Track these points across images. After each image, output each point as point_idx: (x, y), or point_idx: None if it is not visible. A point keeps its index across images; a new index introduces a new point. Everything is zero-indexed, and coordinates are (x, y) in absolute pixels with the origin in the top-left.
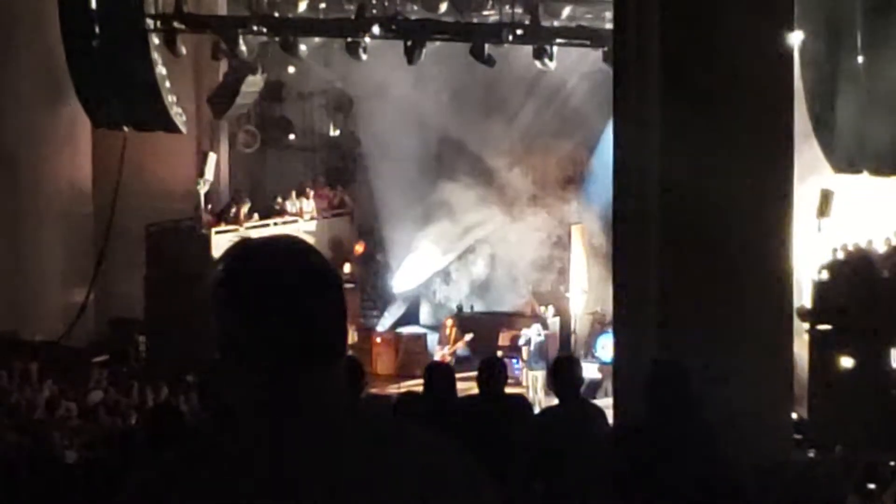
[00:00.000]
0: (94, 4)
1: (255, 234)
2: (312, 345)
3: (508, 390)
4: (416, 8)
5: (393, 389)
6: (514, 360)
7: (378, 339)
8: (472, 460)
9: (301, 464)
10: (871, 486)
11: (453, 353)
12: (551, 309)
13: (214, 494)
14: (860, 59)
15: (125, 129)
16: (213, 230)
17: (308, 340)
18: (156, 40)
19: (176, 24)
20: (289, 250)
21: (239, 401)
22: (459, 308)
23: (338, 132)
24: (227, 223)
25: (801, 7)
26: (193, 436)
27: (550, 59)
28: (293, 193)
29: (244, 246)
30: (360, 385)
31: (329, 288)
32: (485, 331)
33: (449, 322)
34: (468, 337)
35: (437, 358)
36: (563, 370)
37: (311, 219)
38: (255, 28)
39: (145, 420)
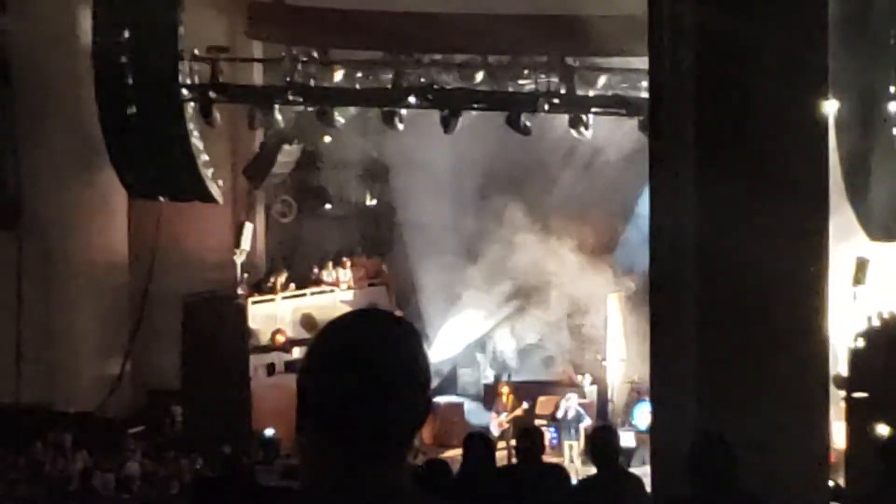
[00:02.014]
0: (129, 73)
1: (291, 305)
2: (400, 429)
3: (546, 459)
4: (452, 77)
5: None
6: (553, 430)
7: None
8: None
9: None
10: None
11: (511, 421)
12: (588, 378)
13: None
14: (894, 127)
15: (161, 199)
16: (250, 300)
17: (396, 424)
18: (191, 110)
19: (211, 94)
20: (391, 332)
21: (311, 479)
22: (497, 377)
23: (374, 201)
24: (264, 293)
25: (835, 75)
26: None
27: (586, 127)
28: (330, 263)
29: (337, 327)
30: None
31: (420, 376)
32: (518, 399)
33: (505, 390)
34: (525, 406)
35: (493, 426)
36: (600, 439)
37: (349, 288)
38: (290, 98)
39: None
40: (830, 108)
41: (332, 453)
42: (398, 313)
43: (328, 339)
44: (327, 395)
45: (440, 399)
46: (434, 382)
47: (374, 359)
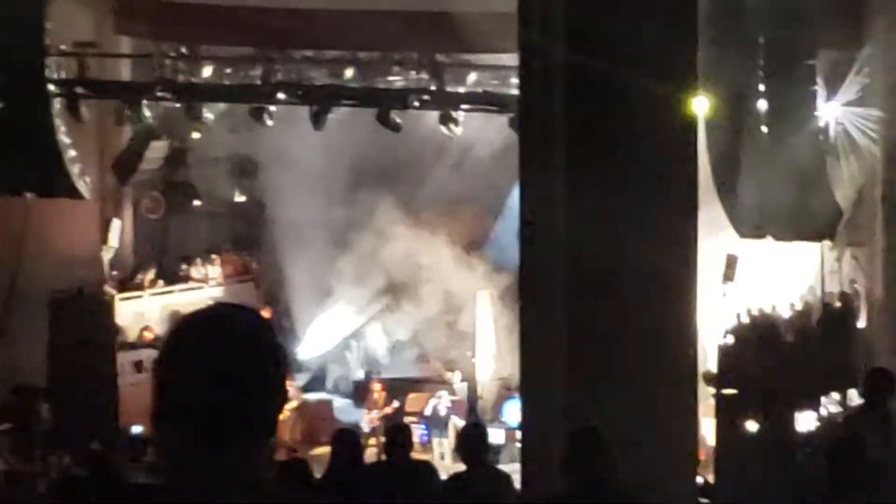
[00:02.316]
0: None
1: (159, 302)
2: (253, 420)
3: (416, 456)
4: (321, 73)
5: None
6: (423, 427)
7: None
8: None
9: None
10: None
11: (382, 419)
12: (458, 375)
13: None
14: (763, 125)
15: (27, 196)
16: (118, 297)
17: (248, 416)
18: (58, 106)
19: (79, 90)
20: (245, 324)
21: (170, 468)
22: (367, 374)
23: (243, 198)
24: (132, 290)
25: (705, 73)
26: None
27: (456, 124)
28: (198, 259)
29: (190, 321)
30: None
31: (273, 368)
32: (390, 396)
33: (377, 387)
34: (396, 404)
35: (364, 423)
36: (469, 436)
37: (217, 285)
38: (159, 94)
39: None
40: (700, 105)
41: (188, 445)
42: (266, 310)
43: (180, 333)
44: (180, 388)
45: (309, 396)
46: (304, 379)
47: (224, 350)
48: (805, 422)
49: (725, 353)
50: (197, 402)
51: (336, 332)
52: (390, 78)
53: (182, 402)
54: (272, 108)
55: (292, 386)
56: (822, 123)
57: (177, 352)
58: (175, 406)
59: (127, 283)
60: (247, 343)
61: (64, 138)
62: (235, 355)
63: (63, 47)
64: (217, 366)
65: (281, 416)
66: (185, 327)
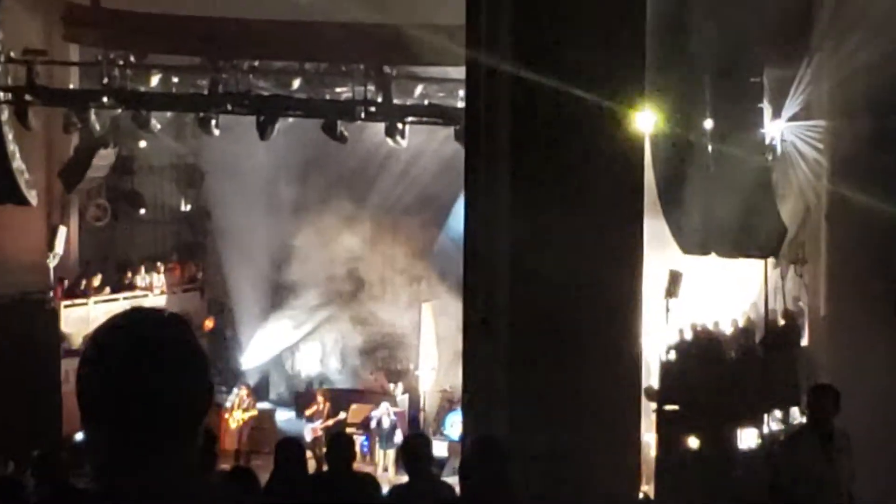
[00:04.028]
0: None
1: (104, 309)
2: (178, 421)
3: (358, 468)
4: (269, 84)
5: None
6: (364, 438)
7: (226, 416)
8: None
9: None
10: None
11: (325, 429)
12: (401, 386)
13: None
14: (709, 143)
15: None
16: (63, 303)
17: (174, 416)
18: (6, 113)
19: (27, 97)
20: (157, 325)
21: (97, 477)
22: (309, 385)
23: (189, 207)
24: (77, 297)
25: (651, 90)
26: None
27: (402, 136)
28: (143, 268)
29: (113, 323)
30: (213, 460)
31: (191, 369)
32: (335, 407)
33: (320, 398)
34: (342, 415)
35: (307, 433)
36: (413, 448)
37: (161, 293)
38: (106, 102)
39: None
40: (647, 122)
41: (110, 450)
42: (210, 320)
43: (98, 339)
44: (97, 394)
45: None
46: (241, 388)
47: (142, 354)
48: (747, 439)
49: (668, 369)
50: (112, 407)
51: (279, 342)
52: (337, 89)
53: (99, 409)
54: (219, 117)
55: (249, 396)
56: (768, 140)
57: (92, 358)
58: (94, 412)
59: (72, 291)
60: (162, 348)
61: (11, 146)
62: (150, 360)
63: (12, 54)
64: (131, 371)
65: (233, 425)
66: (101, 334)
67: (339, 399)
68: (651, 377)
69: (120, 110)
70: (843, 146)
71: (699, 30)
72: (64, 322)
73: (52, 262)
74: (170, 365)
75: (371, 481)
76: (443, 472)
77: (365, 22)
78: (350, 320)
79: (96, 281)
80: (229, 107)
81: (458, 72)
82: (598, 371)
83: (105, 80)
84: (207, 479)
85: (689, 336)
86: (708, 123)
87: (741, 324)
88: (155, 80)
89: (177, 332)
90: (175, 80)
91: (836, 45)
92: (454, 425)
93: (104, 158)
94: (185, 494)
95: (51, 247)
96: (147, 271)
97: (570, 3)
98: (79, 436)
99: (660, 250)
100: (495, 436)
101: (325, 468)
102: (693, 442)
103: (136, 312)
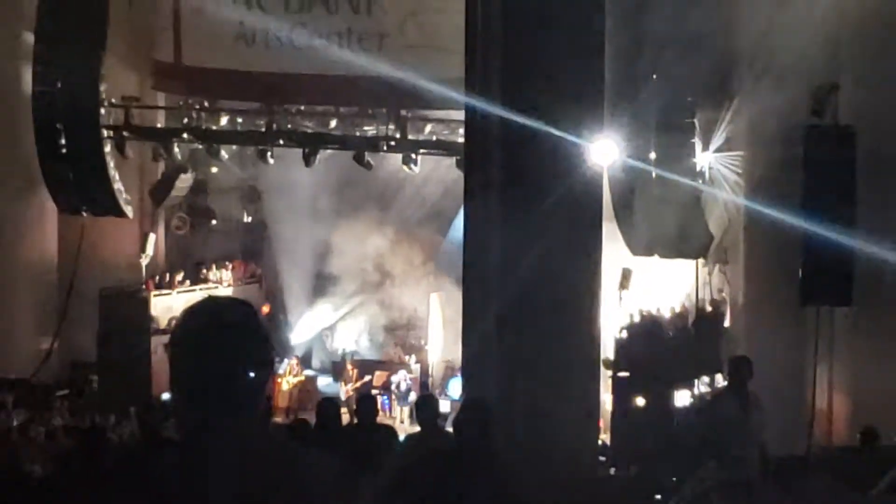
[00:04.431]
0: (61, 116)
1: (184, 298)
2: (246, 387)
3: (380, 420)
4: (312, 123)
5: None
6: (385, 398)
7: (279, 380)
8: (342, 471)
9: (221, 481)
10: (658, 496)
11: (355, 391)
12: (414, 358)
13: (175, 493)
14: (653, 168)
15: (84, 213)
16: (152, 294)
17: (243, 383)
18: (109, 146)
19: (125, 133)
20: (230, 311)
21: (184, 431)
22: (343, 356)
23: (250, 219)
24: (163, 288)
25: (610, 128)
26: (136, 459)
27: (415, 164)
28: (214, 266)
29: (196, 308)
30: (269, 415)
31: (261, 342)
32: (362, 374)
33: (351, 366)
34: (367, 378)
35: (341, 394)
36: (424, 405)
37: (228, 285)
38: (186, 137)
39: (78, 439)
40: (605, 153)
41: (193, 408)
42: (267, 306)
43: (183, 321)
44: (183, 364)
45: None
46: (292, 359)
47: (216, 333)
48: (681, 398)
49: (620, 345)
50: (196, 375)
51: (320, 323)
52: (365, 128)
53: (186, 376)
54: (273, 149)
55: (297, 365)
56: (699, 167)
57: (182, 336)
58: (181, 379)
59: (160, 284)
60: (234, 327)
61: (112, 171)
62: (226, 336)
63: (113, 100)
64: (211, 346)
65: (285, 388)
66: (187, 316)
67: (366, 367)
68: (607, 351)
69: (196, 144)
70: (757, 171)
71: (646, 83)
72: (153, 308)
73: (144, 262)
74: (241, 340)
75: (390, 431)
76: (445, 424)
77: (387, 76)
78: (376, 305)
79: (179, 276)
80: (281, 141)
81: (459, 114)
82: (566, 346)
83: (185, 121)
84: (268, 427)
85: (637, 319)
86: (652, 154)
87: (678, 310)
88: (224, 121)
89: (245, 315)
90: (239, 120)
91: (750, 91)
92: (455, 387)
93: (184, 181)
94: (251, 438)
95: (143, 250)
96: (217, 268)
97: (546, 64)
98: (165, 395)
99: (614, 252)
100: (481, 397)
101: (355, 421)
102: (640, 401)
103: (213, 300)
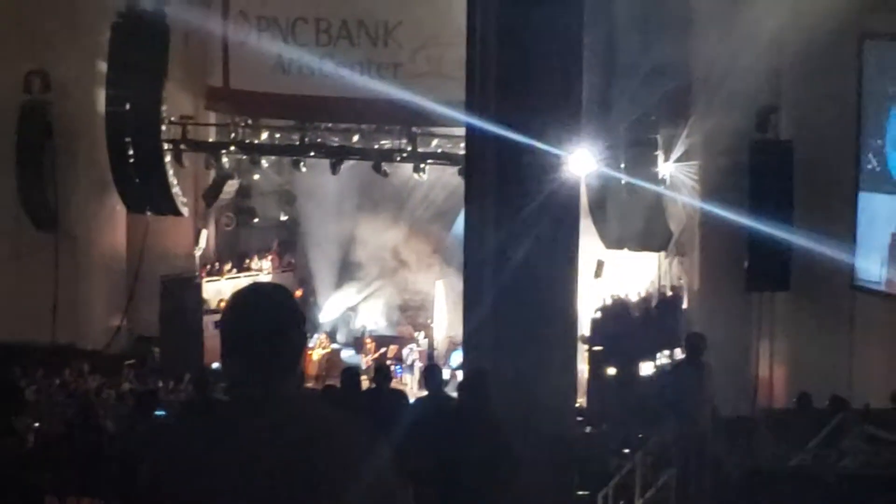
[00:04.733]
0: (129, 131)
1: (231, 284)
2: (284, 356)
3: (393, 386)
4: (337, 138)
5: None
6: (398, 367)
7: (310, 352)
8: (367, 429)
9: (269, 439)
10: (626, 450)
11: (373, 361)
12: (422, 334)
13: (213, 457)
14: (623, 176)
15: (148, 213)
16: (204, 280)
17: (281, 353)
18: (168, 156)
19: (182, 146)
20: (271, 293)
21: (231, 393)
22: (363, 332)
23: (286, 217)
24: (214, 275)
25: (585, 141)
26: (192, 417)
27: (424, 172)
28: (256, 257)
29: (242, 290)
30: (302, 381)
31: (296, 319)
32: (379, 347)
33: (369, 340)
34: (383, 350)
35: (362, 364)
36: (430, 374)
37: (268, 273)
38: (232, 149)
39: (136, 399)
40: (582, 163)
41: (241, 373)
42: (299, 290)
43: (233, 301)
44: (233, 337)
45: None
46: (321, 334)
47: (261, 310)
48: (645, 368)
49: (594, 324)
50: (244, 345)
51: (344, 304)
52: (381, 142)
53: (235, 346)
54: (305, 160)
55: (325, 340)
56: (660, 175)
57: (231, 313)
58: (231, 349)
59: (210, 271)
60: (276, 306)
61: (171, 178)
62: (268, 314)
63: (172, 118)
64: (256, 321)
65: (315, 359)
66: (236, 297)
67: (382, 342)
68: (584, 328)
69: (241, 155)
70: (709, 178)
71: (616, 105)
72: (205, 292)
73: (198, 253)
74: (281, 315)
75: (402, 395)
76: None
77: (400, 99)
78: (392, 289)
79: (226, 265)
80: (312, 153)
81: (460, 131)
82: (551, 323)
83: (232, 135)
84: (303, 391)
85: (608, 302)
86: (622, 164)
87: (643, 294)
88: (264, 135)
89: (284, 295)
90: (277, 135)
91: (704, 111)
92: (456, 359)
93: (231, 186)
94: (290, 399)
95: (197, 243)
96: (259, 259)
97: (533, 90)
98: (215, 364)
99: (590, 246)
100: (482, 368)
101: (373, 386)
102: (611, 370)
103: (257, 284)
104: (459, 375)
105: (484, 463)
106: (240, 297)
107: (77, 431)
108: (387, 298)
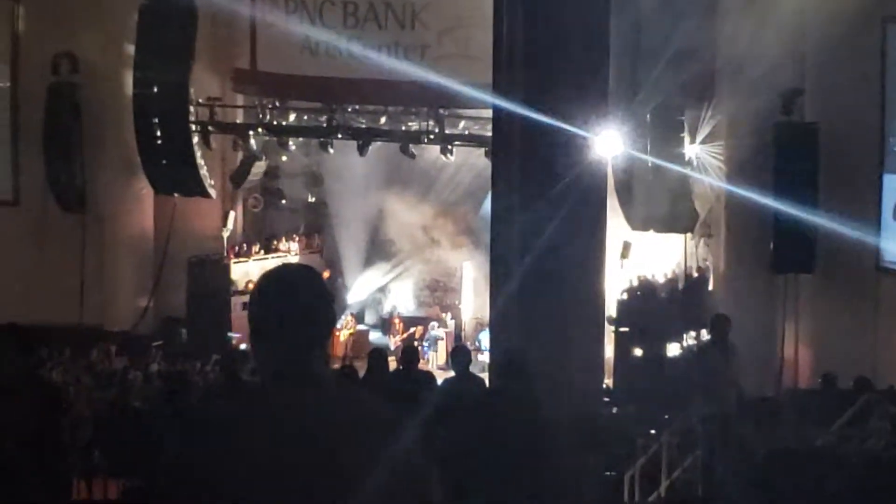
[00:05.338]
0: (156, 113)
1: (259, 265)
2: (313, 338)
3: (421, 367)
4: (365, 119)
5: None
6: (426, 347)
7: (337, 333)
8: (393, 408)
9: (300, 419)
10: (652, 431)
11: (402, 341)
12: (450, 314)
13: (244, 437)
14: (649, 158)
15: (175, 195)
16: (232, 261)
17: (311, 335)
18: (196, 137)
19: (210, 128)
20: (300, 275)
21: (262, 375)
22: (391, 313)
23: (313, 199)
24: (241, 256)
25: (615, 124)
26: (222, 398)
27: (451, 154)
28: (284, 238)
29: (272, 272)
30: (328, 362)
31: (325, 301)
32: (406, 328)
33: (397, 321)
34: (412, 330)
35: (390, 345)
36: (458, 354)
37: (295, 255)
38: (260, 131)
39: (167, 381)
40: (609, 145)
41: (269, 354)
42: (327, 271)
43: (261, 282)
44: (261, 317)
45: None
46: (348, 315)
47: (288, 291)
48: (672, 349)
49: (621, 305)
50: (273, 326)
51: (372, 285)
52: (409, 123)
53: (264, 328)
54: (333, 141)
55: (352, 321)
56: (687, 156)
57: (261, 295)
58: (260, 330)
59: (238, 253)
60: (303, 286)
61: (199, 159)
62: (297, 295)
63: (200, 100)
64: (285, 302)
65: (342, 339)
66: (264, 279)
67: (410, 322)
68: (610, 309)
69: (269, 136)
70: (735, 158)
71: (643, 87)
72: (232, 273)
73: (225, 235)
74: (308, 296)
75: (429, 375)
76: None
77: (427, 80)
78: (419, 271)
79: (254, 247)
80: (339, 135)
81: (487, 112)
82: (578, 304)
83: (259, 117)
84: (330, 370)
85: (635, 283)
86: (648, 146)
87: (669, 276)
88: (291, 117)
89: (312, 277)
90: (304, 117)
91: (729, 93)
92: (484, 339)
93: (259, 167)
94: (321, 379)
95: (224, 225)
96: (286, 241)
97: (560, 71)
98: (243, 346)
99: (617, 228)
100: (521, 350)
101: (400, 368)
102: (637, 351)
103: (286, 265)
104: (486, 355)
105: (524, 445)
106: (268, 279)
107: (103, 414)
108: (415, 279)
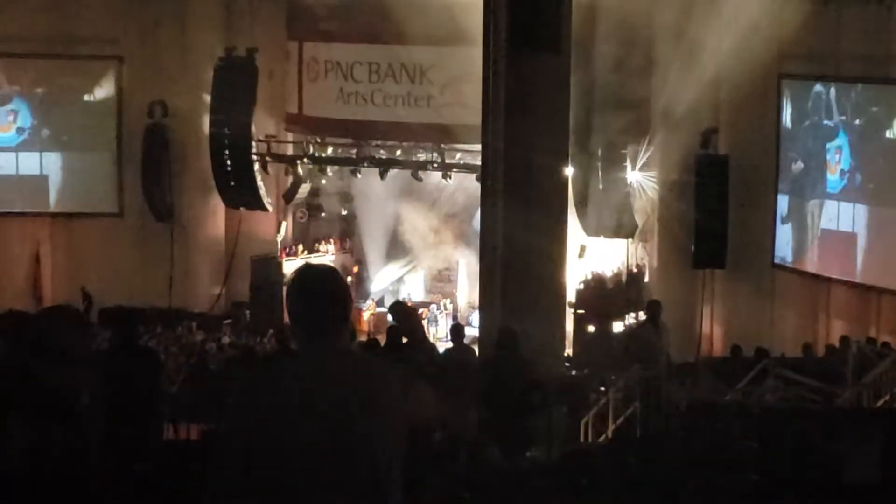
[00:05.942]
0: (227, 147)
1: (305, 261)
2: (333, 318)
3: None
4: (385, 152)
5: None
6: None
7: (363, 314)
8: (409, 373)
9: (325, 378)
10: (602, 388)
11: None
12: (448, 300)
13: (285, 390)
14: (600, 172)
15: (241, 209)
16: (284, 259)
17: (331, 315)
18: (257, 165)
19: (267, 158)
20: (322, 272)
21: (299, 346)
22: (405, 299)
23: (346, 212)
24: (290, 256)
25: (572, 152)
26: (272, 362)
27: (450, 178)
28: (323, 242)
29: (301, 269)
30: (353, 336)
31: (341, 290)
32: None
33: (409, 304)
34: (420, 311)
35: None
36: (456, 331)
37: (332, 255)
38: (305, 161)
39: (239, 352)
40: (569, 172)
41: (303, 332)
42: (356, 267)
43: (296, 275)
44: (295, 302)
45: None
46: (371, 300)
47: (317, 283)
48: (617, 327)
49: (578, 293)
50: (304, 311)
51: (390, 277)
52: (418, 155)
53: (297, 312)
54: (360, 169)
55: (374, 305)
56: (629, 181)
57: (294, 286)
58: (294, 313)
59: (289, 253)
60: (327, 279)
61: (259, 181)
62: (322, 286)
63: (260, 137)
64: (313, 291)
65: (366, 318)
66: (297, 274)
67: (419, 305)
68: (570, 296)
69: (312, 165)
70: (665, 181)
71: (596, 127)
72: (284, 269)
73: (279, 239)
74: (329, 286)
75: (433, 346)
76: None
77: (432, 122)
78: (428, 266)
79: (300, 249)
80: (365, 164)
81: (478, 147)
82: (546, 292)
83: (305, 150)
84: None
85: (589, 277)
86: (599, 171)
87: (615, 271)
88: (329, 150)
89: (331, 272)
90: (339, 150)
91: (661, 131)
92: (474, 319)
93: (304, 188)
94: (343, 350)
95: (278, 231)
96: (325, 244)
97: (533, 117)
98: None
99: (575, 233)
100: (512, 327)
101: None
102: (591, 328)
103: (309, 264)
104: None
105: (523, 393)
106: (298, 274)
107: (186, 375)
108: (424, 273)
